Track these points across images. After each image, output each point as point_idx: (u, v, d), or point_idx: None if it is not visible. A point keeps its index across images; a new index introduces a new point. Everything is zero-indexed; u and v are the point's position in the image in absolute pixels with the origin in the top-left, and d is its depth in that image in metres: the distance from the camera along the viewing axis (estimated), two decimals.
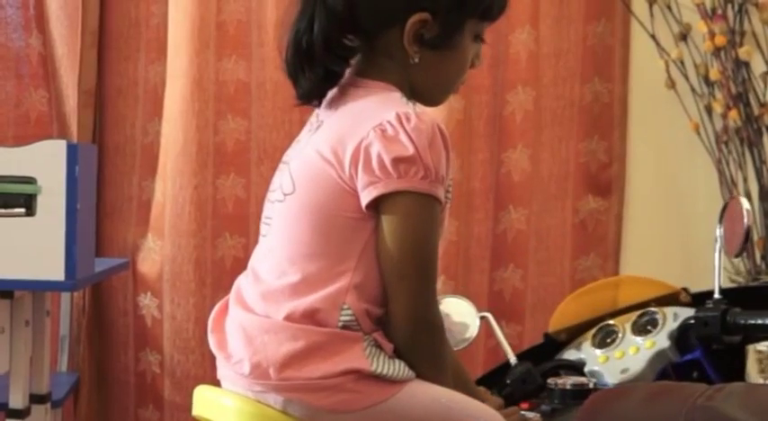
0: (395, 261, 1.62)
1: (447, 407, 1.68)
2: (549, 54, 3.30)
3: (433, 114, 1.78)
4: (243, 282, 1.72)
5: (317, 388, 1.62)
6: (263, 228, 1.72)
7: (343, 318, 1.64)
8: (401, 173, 1.59)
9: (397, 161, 1.59)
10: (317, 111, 1.72)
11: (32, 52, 3.42)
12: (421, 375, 1.66)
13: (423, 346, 1.66)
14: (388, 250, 1.62)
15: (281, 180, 1.70)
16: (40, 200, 2.59)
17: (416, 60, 1.66)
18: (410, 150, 1.59)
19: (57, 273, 2.57)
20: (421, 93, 1.70)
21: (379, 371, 1.63)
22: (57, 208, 2.58)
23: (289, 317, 1.63)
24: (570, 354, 2.19)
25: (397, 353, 1.65)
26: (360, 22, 1.67)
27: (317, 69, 1.66)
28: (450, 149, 1.63)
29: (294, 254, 1.65)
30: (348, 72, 1.70)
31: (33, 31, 3.42)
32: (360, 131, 1.61)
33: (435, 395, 1.68)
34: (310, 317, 1.63)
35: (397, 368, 1.65)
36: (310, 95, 1.69)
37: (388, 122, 1.61)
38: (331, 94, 1.70)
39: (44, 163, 2.58)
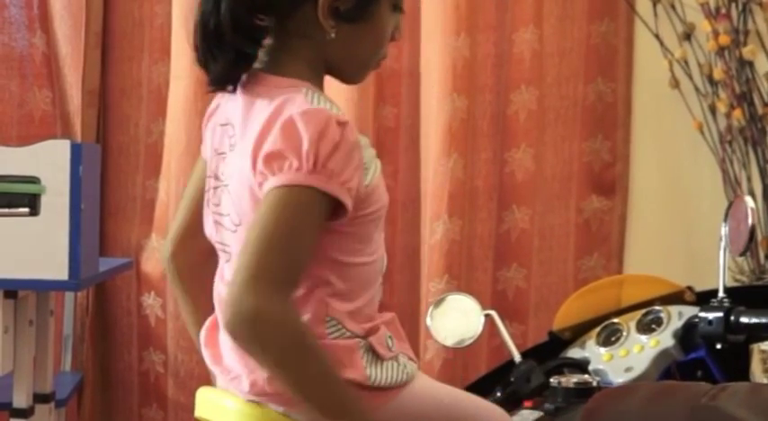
0: (246, 244, 1.52)
1: (450, 406, 1.66)
2: (552, 53, 3.30)
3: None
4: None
5: None
6: (223, 255, 1.65)
7: (329, 330, 1.61)
8: (274, 169, 1.52)
9: (269, 158, 1.52)
10: (225, 114, 1.65)
11: (36, 52, 3.41)
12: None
13: (242, 340, 1.51)
14: (246, 239, 1.53)
15: (227, 206, 1.62)
16: (43, 199, 2.59)
17: (333, 35, 1.60)
18: (282, 144, 1.52)
19: (60, 272, 2.57)
20: (339, 69, 1.65)
21: (377, 382, 1.61)
22: (61, 208, 2.58)
23: None
24: (574, 353, 2.20)
25: None
26: (270, 0, 1.59)
27: (228, 53, 1.58)
28: (356, 146, 1.54)
29: None
30: (255, 66, 1.62)
31: (37, 31, 3.41)
32: (268, 136, 1.54)
33: (437, 394, 1.67)
34: None
35: (395, 374, 1.63)
36: (224, 80, 1.62)
37: (278, 123, 1.54)
38: (238, 94, 1.63)
39: (48, 163, 2.58)
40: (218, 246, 1.67)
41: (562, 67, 3.31)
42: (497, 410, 1.72)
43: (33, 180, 2.58)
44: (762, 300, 2.11)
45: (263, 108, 1.58)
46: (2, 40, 3.41)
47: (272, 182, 1.52)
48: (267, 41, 1.62)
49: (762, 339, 2.04)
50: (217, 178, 1.65)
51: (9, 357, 2.65)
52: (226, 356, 1.66)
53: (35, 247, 2.57)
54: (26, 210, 2.58)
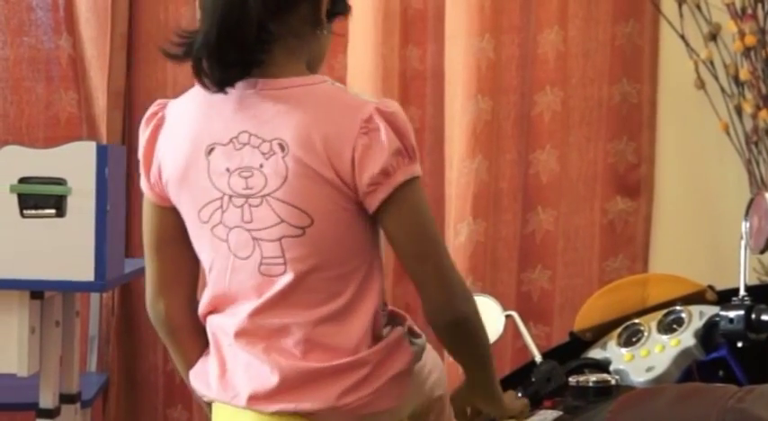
0: (416, 247, 1.61)
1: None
2: (577, 54, 3.29)
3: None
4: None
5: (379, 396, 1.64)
6: (273, 268, 1.61)
7: (384, 323, 1.67)
8: (396, 167, 1.57)
9: (394, 156, 1.57)
10: (221, 130, 1.62)
11: (62, 54, 3.44)
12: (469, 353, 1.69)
13: (472, 322, 1.66)
14: (404, 241, 1.61)
15: (267, 218, 1.59)
16: (70, 201, 2.59)
17: (325, 32, 1.64)
18: (394, 141, 1.57)
19: (86, 273, 2.58)
20: (312, 69, 1.66)
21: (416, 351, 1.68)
22: (87, 209, 2.58)
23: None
24: (596, 353, 2.20)
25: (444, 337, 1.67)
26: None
27: (245, 56, 1.57)
28: None
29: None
30: (256, 78, 1.61)
31: (63, 33, 3.44)
32: (348, 135, 1.57)
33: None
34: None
35: (419, 349, 1.70)
36: (227, 83, 1.60)
37: (371, 118, 1.57)
38: (253, 104, 1.61)
39: (74, 164, 2.59)
40: (250, 262, 1.63)
41: (587, 67, 3.30)
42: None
43: (60, 181, 2.59)
44: None
45: (306, 109, 1.58)
46: (28, 43, 3.44)
47: (391, 184, 1.57)
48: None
49: None
50: (240, 196, 1.61)
51: (35, 358, 2.66)
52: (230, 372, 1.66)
53: (61, 248, 2.58)
54: (52, 211, 2.59)
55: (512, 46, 3.27)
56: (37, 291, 2.62)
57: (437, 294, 1.61)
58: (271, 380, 1.61)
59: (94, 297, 3.39)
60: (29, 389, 2.82)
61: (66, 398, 2.84)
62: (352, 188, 1.57)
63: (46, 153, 2.63)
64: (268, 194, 1.59)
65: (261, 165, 1.59)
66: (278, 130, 1.58)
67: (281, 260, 1.60)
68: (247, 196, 1.60)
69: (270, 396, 1.61)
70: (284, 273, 1.61)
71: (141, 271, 3.08)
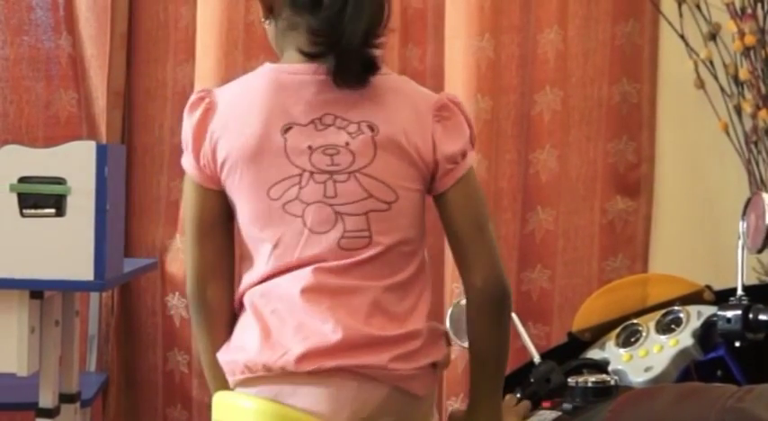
0: (478, 219, 1.72)
1: None
2: (577, 54, 3.29)
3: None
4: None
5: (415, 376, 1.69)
6: (355, 241, 1.67)
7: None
8: (468, 150, 1.72)
9: (467, 141, 1.72)
10: (296, 112, 1.68)
11: (62, 53, 3.45)
12: (494, 332, 1.74)
13: (509, 302, 1.74)
14: (469, 213, 1.72)
15: (352, 193, 1.67)
16: (69, 200, 2.60)
17: None
18: (468, 129, 1.73)
19: (86, 273, 2.58)
20: None
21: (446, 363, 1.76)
22: (86, 208, 2.59)
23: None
24: (594, 354, 2.20)
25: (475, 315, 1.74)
26: None
27: (375, 49, 1.69)
28: None
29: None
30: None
31: (63, 33, 3.45)
32: (426, 121, 1.69)
33: None
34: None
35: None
36: (372, 73, 1.69)
37: (447, 106, 1.72)
38: (336, 89, 1.69)
39: (74, 164, 2.59)
40: (329, 236, 1.67)
41: (587, 67, 3.30)
42: None
43: (59, 181, 2.59)
44: None
45: (388, 96, 1.69)
46: (28, 42, 3.44)
47: (467, 165, 1.72)
48: None
49: None
50: (324, 172, 1.67)
51: (35, 357, 2.66)
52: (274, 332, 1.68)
53: (61, 248, 2.58)
54: (52, 210, 2.59)
55: (511, 46, 3.27)
56: (36, 290, 2.62)
57: (490, 266, 1.70)
58: (331, 337, 1.64)
59: (94, 296, 3.40)
60: (28, 388, 2.82)
61: (66, 398, 2.84)
62: (430, 169, 1.69)
63: (46, 152, 2.64)
64: (357, 170, 1.67)
65: (347, 143, 1.67)
66: (366, 113, 1.68)
67: (366, 233, 1.67)
68: (332, 172, 1.66)
69: (326, 353, 1.64)
70: (368, 245, 1.67)
71: (141, 270, 3.12)
